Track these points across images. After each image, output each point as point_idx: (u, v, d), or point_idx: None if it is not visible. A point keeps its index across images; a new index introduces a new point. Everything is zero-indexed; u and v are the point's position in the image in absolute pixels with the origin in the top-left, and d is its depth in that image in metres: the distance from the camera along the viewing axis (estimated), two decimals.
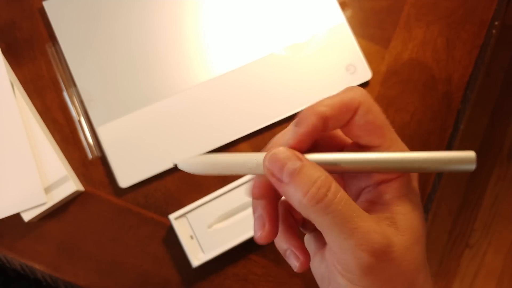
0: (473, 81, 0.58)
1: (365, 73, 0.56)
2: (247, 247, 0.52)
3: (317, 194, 0.24)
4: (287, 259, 0.29)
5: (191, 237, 0.51)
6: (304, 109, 0.26)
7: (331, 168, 0.26)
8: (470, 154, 0.25)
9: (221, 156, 0.27)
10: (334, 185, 0.24)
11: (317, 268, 0.29)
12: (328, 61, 0.56)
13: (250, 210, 0.51)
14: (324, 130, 0.26)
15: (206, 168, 0.26)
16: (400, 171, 0.26)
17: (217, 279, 0.52)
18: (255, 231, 0.28)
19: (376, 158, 0.26)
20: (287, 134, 0.26)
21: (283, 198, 0.30)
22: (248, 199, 0.44)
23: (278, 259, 0.53)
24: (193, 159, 0.27)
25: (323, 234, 0.25)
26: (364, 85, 0.56)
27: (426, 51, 0.57)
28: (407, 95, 0.56)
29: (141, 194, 0.53)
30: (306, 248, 0.29)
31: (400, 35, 0.58)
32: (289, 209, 0.30)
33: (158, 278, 0.52)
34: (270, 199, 0.28)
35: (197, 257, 0.50)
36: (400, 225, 0.25)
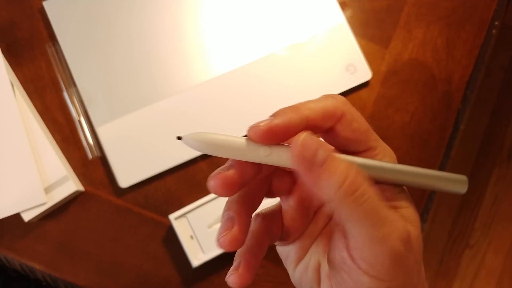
0: (473, 81, 0.58)
1: (365, 73, 0.56)
2: None
3: (353, 185, 0.23)
4: (232, 267, 0.27)
5: (191, 237, 0.51)
6: (284, 107, 0.25)
7: None
8: (462, 177, 0.27)
9: (231, 139, 0.24)
10: (366, 175, 0.24)
11: (303, 277, 0.29)
12: (328, 61, 0.56)
13: None
14: (300, 131, 0.24)
15: (211, 149, 0.24)
16: (394, 182, 0.27)
17: (217, 279, 0.52)
18: (219, 233, 0.25)
19: (376, 166, 0.26)
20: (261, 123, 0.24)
21: (260, 211, 0.29)
22: None
23: (278, 259, 0.53)
24: (199, 135, 0.24)
25: (348, 227, 0.24)
26: (364, 85, 0.56)
27: (426, 51, 0.57)
28: (407, 95, 0.56)
29: (141, 194, 0.53)
30: (252, 271, 0.27)
31: (400, 35, 0.58)
32: (269, 224, 0.29)
33: (158, 278, 0.52)
34: (245, 204, 0.26)
35: (197, 257, 0.50)
36: (407, 217, 0.26)
